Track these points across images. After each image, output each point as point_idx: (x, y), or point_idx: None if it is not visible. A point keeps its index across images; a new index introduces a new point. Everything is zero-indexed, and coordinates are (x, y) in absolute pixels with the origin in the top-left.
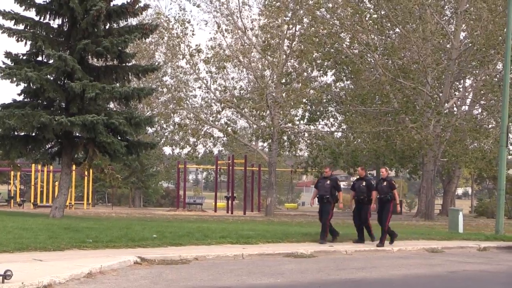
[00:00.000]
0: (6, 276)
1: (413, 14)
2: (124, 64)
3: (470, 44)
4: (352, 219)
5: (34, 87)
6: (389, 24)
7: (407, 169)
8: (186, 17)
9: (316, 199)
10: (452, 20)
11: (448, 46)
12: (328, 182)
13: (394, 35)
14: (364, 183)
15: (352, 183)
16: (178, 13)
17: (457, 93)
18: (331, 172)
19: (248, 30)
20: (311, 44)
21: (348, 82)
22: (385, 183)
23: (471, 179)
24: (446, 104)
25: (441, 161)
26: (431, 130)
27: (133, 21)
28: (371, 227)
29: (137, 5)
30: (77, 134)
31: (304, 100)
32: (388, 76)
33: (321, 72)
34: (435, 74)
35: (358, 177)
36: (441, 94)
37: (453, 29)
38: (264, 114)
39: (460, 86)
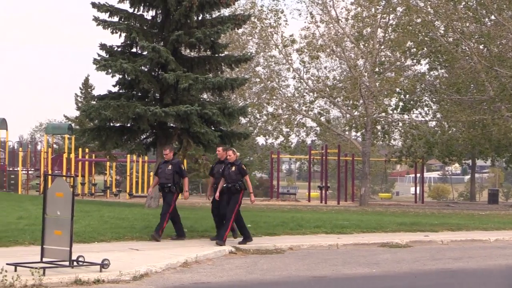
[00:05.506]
0: (104, 265)
1: (510, 1)
2: (217, 55)
3: None
4: (211, 210)
5: (129, 79)
6: (484, 12)
7: (504, 158)
8: (280, 7)
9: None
10: None
11: None
12: (170, 167)
13: (489, 23)
14: (234, 168)
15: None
16: (271, 3)
17: None
18: (172, 154)
19: (341, 19)
20: (405, 33)
21: (443, 70)
22: (233, 168)
23: None
24: None
25: None
26: None
27: (225, 11)
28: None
29: None
30: (171, 125)
31: (397, 90)
32: (483, 64)
33: (415, 61)
34: None
35: (219, 159)
36: None
37: None
38: (357, 103)
39: None
